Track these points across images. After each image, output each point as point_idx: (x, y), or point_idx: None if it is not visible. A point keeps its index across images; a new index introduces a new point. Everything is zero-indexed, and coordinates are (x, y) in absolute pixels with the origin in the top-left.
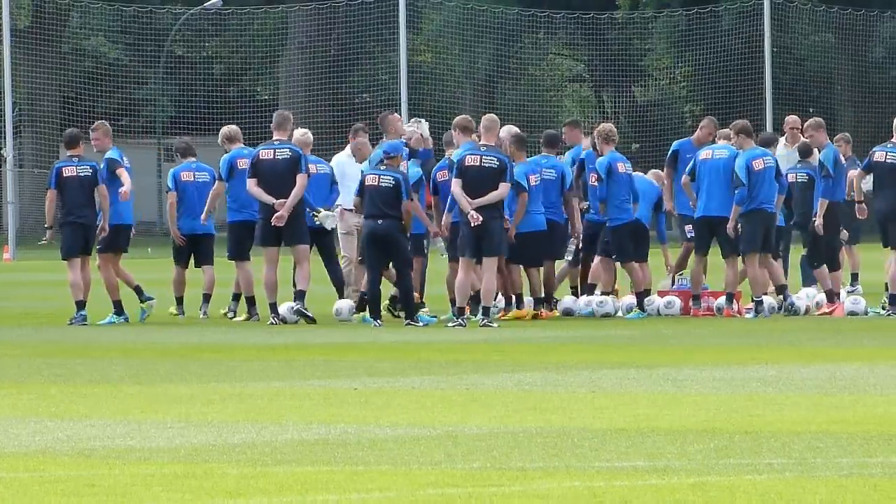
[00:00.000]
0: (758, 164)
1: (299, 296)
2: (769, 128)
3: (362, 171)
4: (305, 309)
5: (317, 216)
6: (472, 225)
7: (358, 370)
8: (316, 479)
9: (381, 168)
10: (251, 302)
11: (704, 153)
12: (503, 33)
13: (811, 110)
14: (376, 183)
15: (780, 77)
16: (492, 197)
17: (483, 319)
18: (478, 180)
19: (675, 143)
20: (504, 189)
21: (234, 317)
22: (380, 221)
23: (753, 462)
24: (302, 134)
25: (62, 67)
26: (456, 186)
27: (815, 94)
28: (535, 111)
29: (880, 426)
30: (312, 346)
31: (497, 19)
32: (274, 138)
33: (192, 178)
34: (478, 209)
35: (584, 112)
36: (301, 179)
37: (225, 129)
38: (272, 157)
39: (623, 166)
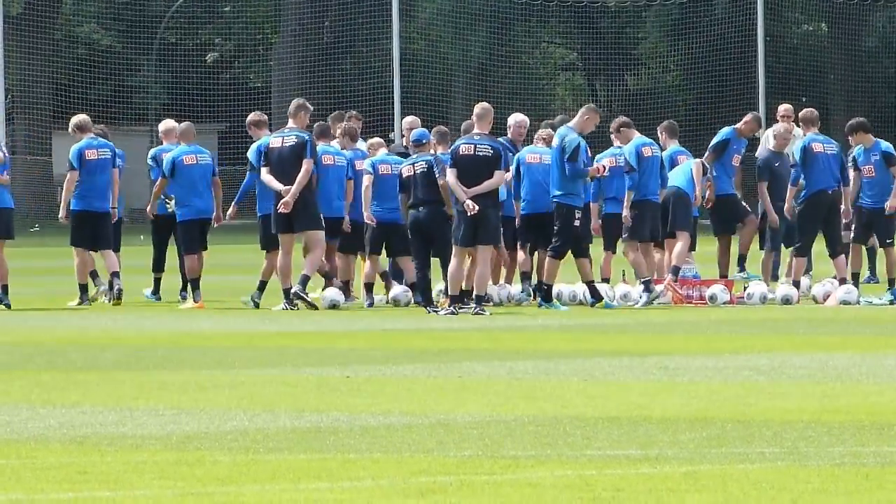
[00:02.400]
0: (646, 152)
1: (302, 280)
2: (762, 116)
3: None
4: (305, 294)
5: (169, 203)
6: (469, 214)
7: (350, 358)
8: (308, 467)
9: (414, 156)
10: (83, 289)
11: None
12: (496, 22)
13: (804, 99)
14: (412, 172)
15: (774, 66)
16: (487, 185)
17: (475, 307)
18: (473, 169)
19: (724, 133)
20: (499, 177)
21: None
22: (421, 209)
23: (746, 451)
24: (185, 127)
25: (55, 54)
26: (451, 176)
27: (808, 84)
28: (528, 100)
29: (872, 415)
30: (304, 333)
31: (490, 7)
32: (287, 126)
33: (96, 156)
34: (473, 198)
35: (576, 100)
36: (307, 164)
37: (74, 119)
38: (280, 144)
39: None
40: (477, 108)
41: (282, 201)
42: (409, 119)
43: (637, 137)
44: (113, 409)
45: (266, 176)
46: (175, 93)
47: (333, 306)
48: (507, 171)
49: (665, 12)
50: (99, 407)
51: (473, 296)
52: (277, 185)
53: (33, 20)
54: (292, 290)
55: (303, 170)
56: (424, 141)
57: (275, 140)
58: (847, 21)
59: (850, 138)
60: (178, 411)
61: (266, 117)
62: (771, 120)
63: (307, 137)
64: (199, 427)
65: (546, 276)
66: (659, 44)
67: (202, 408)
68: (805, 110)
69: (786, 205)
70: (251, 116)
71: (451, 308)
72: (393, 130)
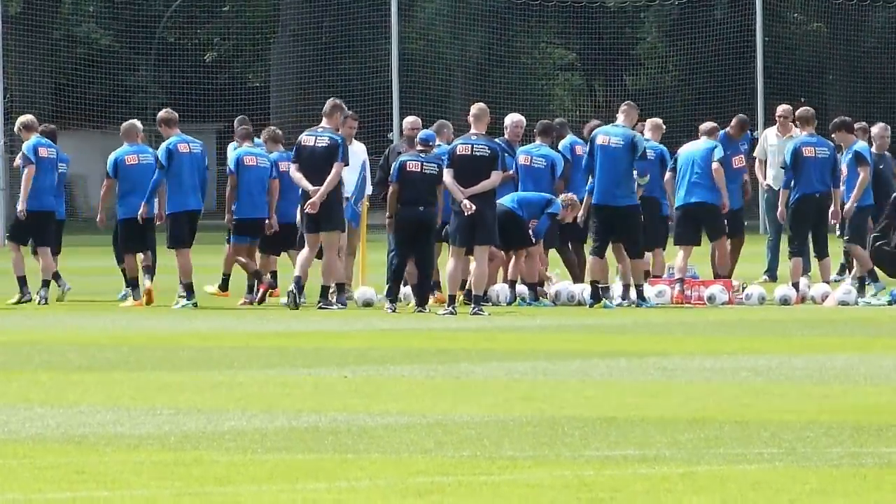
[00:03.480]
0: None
1: (322, 292)
2: (760, 117)
3: (400, 159)
4: (329, 304)
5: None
6: (467, 214)
7: (348, 358)
8: (306, 467)
9: (422, 155)
10: (23, 281)
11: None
12: (495, 22)
13: (803, 100)
14: (419, 170)
15: (772, 66)
16: (485, 185)
17: (474, 308)
18: (470, 169)
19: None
20: (497, 177)
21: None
22: (421, 208)
23: (744, 451)
24: (127, 126)
25: (54, 54)
26: (448, 176)
27: (806, 84)
28: (527, 100)
29: (870, 416)
30: (302, 333)
31: (489, 7)
32: (321, 125)
33: (46, 154)
34: (471, 198)
35: (575, 101)
36: (337, 167)
37: (22, 119)
38: (313, 143)
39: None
40: (473, 109)
41: (309, 202)
42: (410, 119)
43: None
44: (111, 409)
45: (296, 174)
46: (174, 92)
47: (368, 304)
48: (505, 170)
49: (664, 13)
50: (97, 407)
51: (472, 296)
52: (307, 185)
53: (32, 20)
54: (318, 306)
55: (333, 172)
56: (431, 143)
57: (307, 138)
58: (846, 21)
59: (833, 136)
60: (175, 411)
61: (177, 115)
62: (769, 121)
63: (340, 140)
64: (197, 427)
65: (636, 277)
66: (658, 44)
67: (200, 408)
68: (802, 109)
69: (779, 209)
70: (162, 114)
71: (450, 308)
72: (392, 130)
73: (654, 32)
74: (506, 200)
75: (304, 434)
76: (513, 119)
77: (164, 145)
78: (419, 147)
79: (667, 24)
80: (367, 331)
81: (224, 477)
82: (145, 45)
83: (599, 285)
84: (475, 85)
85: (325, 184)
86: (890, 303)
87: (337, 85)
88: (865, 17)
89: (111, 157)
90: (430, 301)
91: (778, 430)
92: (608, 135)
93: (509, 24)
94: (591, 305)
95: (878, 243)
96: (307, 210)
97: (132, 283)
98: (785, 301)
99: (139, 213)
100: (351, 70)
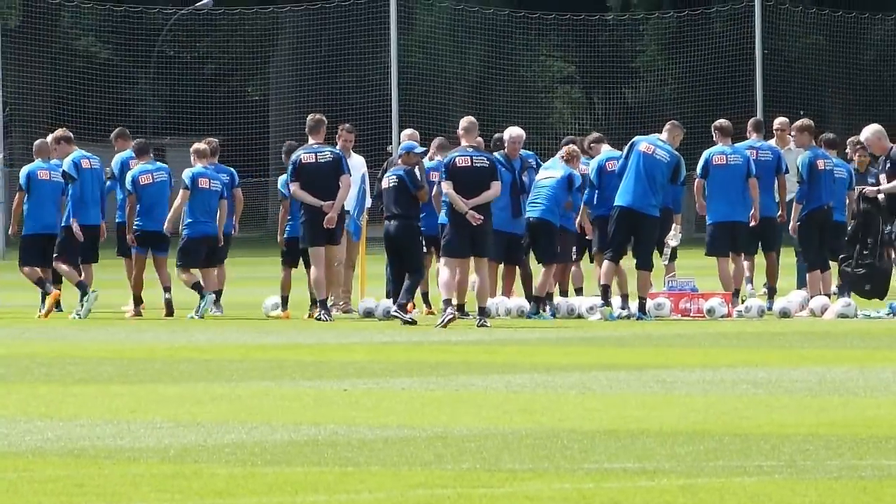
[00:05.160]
0: (610, 166)
1: (321, 304)
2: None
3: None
4: (327, 313)
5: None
6: (475, 224)
7: (347, 371)
8: (305, 480)
9: (392, 168)
10: None
11: (719, 157)
12: (494, 35)
13: (801, 112)
14: (386, 185)
15: (771, 79)
16: (486, 196)
17: (480, 319)
18: (472, 181)
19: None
20: (497, 188)
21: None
22: (391, 222)
23: (743, 464)
24: (39, 143)
25: (52, 67)
26: (448, 187)
27: (805, 97)
28: (526, 113)
29: (870, 428)
30: (302, 346)
31: (488, 21)
32: (311, 142)
33: None
34: (473, 209)
35: (574, 114)
36: (345, 180)
37: None
38: (314, 160)
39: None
40: (464, 122)
41: (327, 217)
42: (408, 132)
43: (603, 152)
44: (110, 421)
45: (300, 192)
46: (173, 106)
47: (368, 314)
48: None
49: (663, 25)
50: (96, 420)
51: (477, 308)
52: (314, 200)
53: (31, 33)
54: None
55: (343, 186)
56: (402, 153)
57: (307, 156)
58: (845, 34)
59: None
60: (175, 424)
61: (71, 134)
62: (767, 134)
63: (341, 154)
64: (197, 440)
65: (641, 289)
66: (657, 57)
67: (199, 421)
68: (806, 121)
69: (791, 223)
70: (59, 132)
71: (450, 312)
72: (391, 143)
73: (653, 45)
74: (536, 210)
75: (304, 447)
76: (511, 134)
77: (69, 159)
78: (400, 160)
79: (666, 37)
80: (366, 344)
81: (223, 490)
82: (144, 58)
83: (610, 290)
84: (474, 98)
85: (339, 198)
86: (889, 314)
87: (336, 97)
88: (864, 31)
89: (24, 171)
90: (412, 310)
91: (777, 442)
92: (654, 145)
93: (508, 37)
94: (601, 307)
95: (843, 265)
96: (327, 226)
97: (42, 296)
98: (784, 314)
99: (74, 229)
100: (350, 83)
